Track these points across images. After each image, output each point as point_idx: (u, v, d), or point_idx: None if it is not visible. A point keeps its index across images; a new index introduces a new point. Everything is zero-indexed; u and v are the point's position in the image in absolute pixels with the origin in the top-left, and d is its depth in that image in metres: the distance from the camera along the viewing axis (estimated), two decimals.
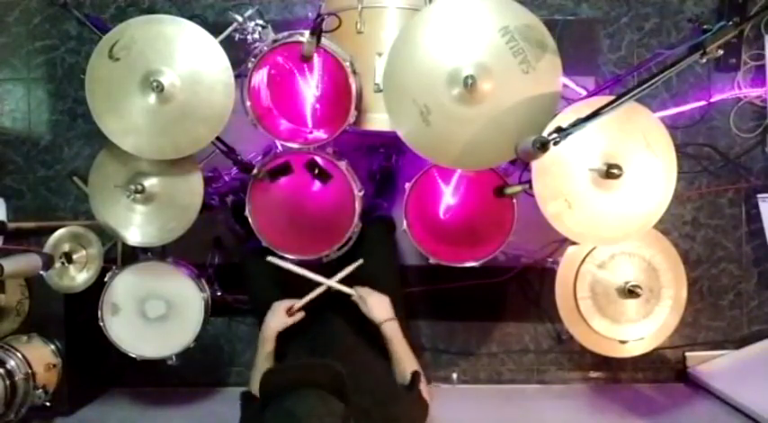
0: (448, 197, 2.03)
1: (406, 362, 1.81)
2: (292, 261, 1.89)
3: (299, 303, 1.87)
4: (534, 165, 1.63)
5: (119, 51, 1.68)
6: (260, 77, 1.88)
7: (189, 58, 1.70)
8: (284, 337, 1.86)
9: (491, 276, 2.55)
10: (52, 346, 2.29)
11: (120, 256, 2.10)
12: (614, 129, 1.66)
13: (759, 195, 2.62)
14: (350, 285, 1.95)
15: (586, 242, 1.85)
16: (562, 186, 1.65)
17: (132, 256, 2.11)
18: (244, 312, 2.65)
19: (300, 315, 1.87)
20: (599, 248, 1.91)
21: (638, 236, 1.80)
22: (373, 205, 2.47)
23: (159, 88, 1.66)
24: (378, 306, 1.84)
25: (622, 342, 1.93)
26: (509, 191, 1.84)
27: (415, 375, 1.76)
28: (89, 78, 1.71)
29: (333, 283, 1.89)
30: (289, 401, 1.22)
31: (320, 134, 1.94)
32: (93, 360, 2.44)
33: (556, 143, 1.40)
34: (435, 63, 1.63)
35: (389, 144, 2.56)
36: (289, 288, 1.95)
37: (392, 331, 1.82)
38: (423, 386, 1.74)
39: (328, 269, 1.96)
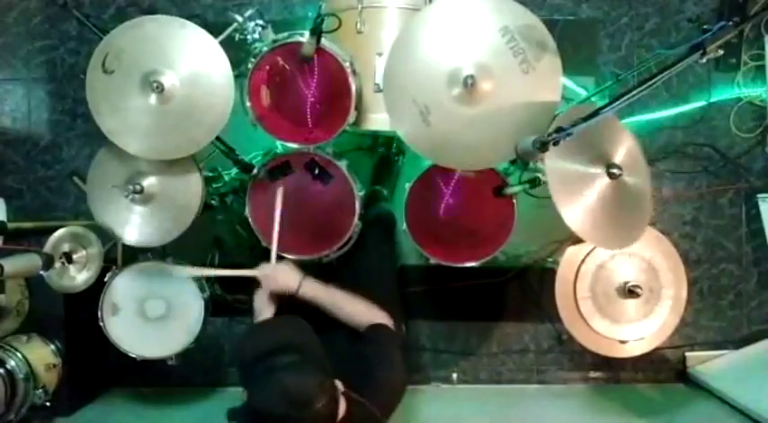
0: (448, 197, 2.03)
1: (357, 313, 1.64)
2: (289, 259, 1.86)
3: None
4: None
5: (111, 64, 1.69)
6: (260, 77, 1.88)
7: (183, 54, 1.70)
8: None
9: (491, 276, 2.55)
10: (52, 346, 2.29)
11: (120, 256, 2.10)
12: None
13: (759, 195, 2.62)
14: (348, 285, 1.94)
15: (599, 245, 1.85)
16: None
17: (132, 256, 2.10)
18: (244, 312, 2.64)
19: None
20: (599, 248, 1.91)
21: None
22: (374, 194, 2.45)
23: (160, 89, 1.66)
24: (283, 275, 1.69)
25: (622, 342, 1.93)
26: (509, 191, 1.84)
27: (375, 329, 1.60)
28: (91, 97, 1.72)
29: (235, 272, 1.84)
30: (281, 377, 1.21)
31: (320, 134, 1.94)
32: (93, 360, 2.44)
33: (556, 143, 1.40)
34: (435, 63, 1.63)
35: (389, 144, 2.56)
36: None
37: (314, 292, 1.67)
38: (385, 333, 1.59)
39: (328, 269, 1.96)
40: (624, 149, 1.72)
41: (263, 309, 1.71)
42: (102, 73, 1.70)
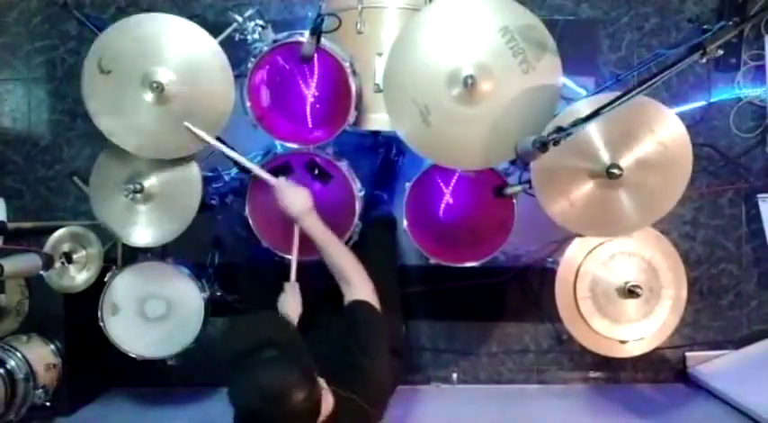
0: (448, 197, 2.03)
1: (347, 269, 1.63)
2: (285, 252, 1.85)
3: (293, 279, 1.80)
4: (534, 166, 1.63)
5: (108, 64, 1.69)
6: (260, 77, 1.88)
7: (183, 54, 1.69)
8: None
9: (491, 276, 2.55)
10: (52, 346, 2.29)
11: (120, 256, 2.10)
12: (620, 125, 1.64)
13: (759, 195, 2.62)
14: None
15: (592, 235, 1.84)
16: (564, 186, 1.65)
17: (132, 256, 2.11)
18: (244, 312, 2.64)
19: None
20: (599, 248, 1.91)
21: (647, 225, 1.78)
22: (373, 199, 2.45)
23: (159, 88, 1.66)
24: (293, 198, 1.68)
25: (622, 342, 1.93)
26: (509, 191, 1.84)
27: (357, 307, 1.57)
28: (88, 96, 1.72)
29: (257, 170, 1.81)
30: (258, 373, 1.21)
31: (320, 134, 1.94)
32: (93, 360, 2.44)
33: (556, 143, 1.40)
34: (435, 63, 1.63)
35: (389, 144, 2.56)
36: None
37: (312, 225, 1.68)
38: (368, 307, 1.57)
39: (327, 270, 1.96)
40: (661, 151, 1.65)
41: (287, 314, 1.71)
42: (98, 73, 1.69)
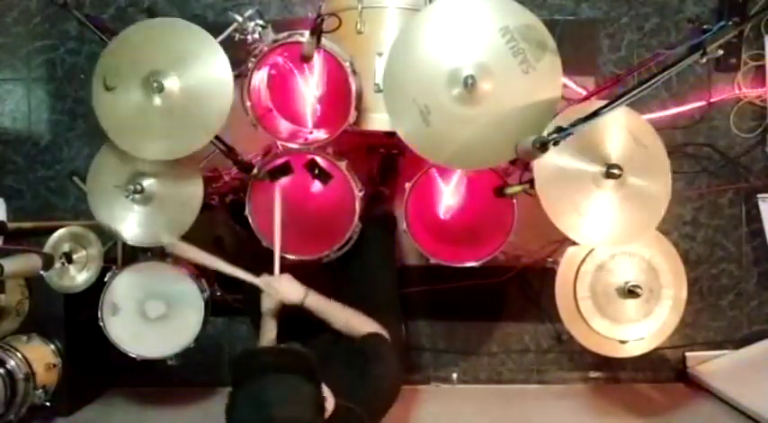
0: (448, 197, 2.03)
1: (353, 324, 1.70)
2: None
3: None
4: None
5: (111, 81, 1.70)
6: (260, 77, 1.88)
7: (182, 54, 1.69)
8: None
9: (491, 276, 2.54)
10: (52, 346, 2.29)
11: (120, 256, 2.10)
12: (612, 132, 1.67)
13: (759, 195, 2.62)
14: (345, 285, 1.94)
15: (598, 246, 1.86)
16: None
17: (132, 256, 2.11)
18: (244, 312, 2.65)
19: None
20: (599, 248, 1.91)
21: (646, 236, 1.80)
22: (375, 195, 2.45)
23: (160, 88, 1.66)
24: (288, 288, 1.75)
25: (622, 342, 1.93)
26: (509, 191, 1.85)
27: (369, 338, 1.66)
28: (102, 116, 1.73)
29: (239, 272, 1.85)
30: (259, 386, 1.22)
31: (320, 134, 1.94)
32: (93, 360, 2.43)
33: (556, 143, 1.40)
34: (435, 63, 1.63)
35: (389, 144, 2.56)
36: None
37: (316, 303, 1.74)
38: (381, 342, 1.64)
39: (328, 269, 1.96)
40: (640, 148, 1.71)
41: (269, 317, 1.76)
42: (105, 92, 1.70)
